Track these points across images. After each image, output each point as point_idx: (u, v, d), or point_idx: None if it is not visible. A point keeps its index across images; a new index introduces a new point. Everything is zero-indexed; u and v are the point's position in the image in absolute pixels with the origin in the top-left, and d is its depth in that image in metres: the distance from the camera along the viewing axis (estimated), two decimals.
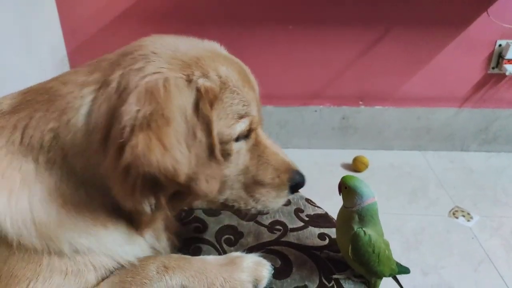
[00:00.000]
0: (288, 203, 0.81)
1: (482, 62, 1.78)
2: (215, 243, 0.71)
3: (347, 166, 1.87)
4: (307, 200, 0.83)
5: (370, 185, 0.62)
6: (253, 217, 0.67)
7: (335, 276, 0.65)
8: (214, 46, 0.64)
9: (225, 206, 0.63)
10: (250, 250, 0.69)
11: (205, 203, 0.72)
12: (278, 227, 0.75)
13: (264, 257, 0.66)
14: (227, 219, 0.76)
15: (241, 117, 0.56)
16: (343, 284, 0.65)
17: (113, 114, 0.50)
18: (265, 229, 0.74)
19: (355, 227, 0.60)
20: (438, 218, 1.56)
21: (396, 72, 1.83)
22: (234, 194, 0.61)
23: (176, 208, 0.63)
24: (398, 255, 1.37)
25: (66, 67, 1.76)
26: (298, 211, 0.79)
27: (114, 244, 0.55)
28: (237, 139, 0.58)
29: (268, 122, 1.92)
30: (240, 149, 0.59)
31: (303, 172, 0.66)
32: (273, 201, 0.63)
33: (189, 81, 0.52)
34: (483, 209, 1.61)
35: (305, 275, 0.65)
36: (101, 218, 0.54)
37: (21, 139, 0.53)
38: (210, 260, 0.62)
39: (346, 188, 0.62)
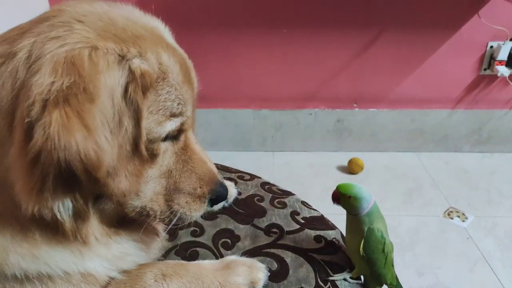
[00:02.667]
0: (284, 206, 0.81)
1: (474, 63, 1.80)
2: (212, 247, 0.71)
3: (342, 169, 1.87)
4: (303, 203, 0.84)
5: (366, 187, 0.63)
6: (167, 224, 0.58)
7: (331, 278, 0.66)
8: (158, 27, 0.56)
9: (140, 214, 0.55)
10: (246, 253, 0.69)
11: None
12: (274, 230, 0.75)
13: (261, 260, 0.67)
14: (224, 222, 0.76)
15: (173, 115, 0.50)
16: (339, 286, 0.65)
17: (21, 91, 0.41)
18: (262, 232, 0.75)
19: (367, 227, 0.62)
20: (433, 219, 1.57)
21: (390, 74, 1.85)
22: (154, 200, 0.54)
23: (108, 214, 0.53)
24: (394, 257, 1.38)
25: None
26: (294, 214, 0.79)
27: (67, 262, 0.49)
28: (165, 139, 0.52)
29: (263, 125, 1.94)
30: (166, 150, 0.53)
31: (228, 185, 0.65)
32: (190, 212, 0.57)
33: (122, 57, 0.44)
34: (477, 209, 1.63)
35: (302, 277, 0.66)
36: (38, 232, 0.47)
37: None
38: (206, 265, 0.62)
39: (349, 198, 0.63)
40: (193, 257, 0.68)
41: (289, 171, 1.86)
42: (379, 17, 1.72)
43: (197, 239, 0.73)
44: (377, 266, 0.62)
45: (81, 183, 0.43)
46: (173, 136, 0.53)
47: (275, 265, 0.68)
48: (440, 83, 1.85)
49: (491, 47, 1.75)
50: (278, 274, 0.66)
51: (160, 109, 0.48)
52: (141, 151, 0.47)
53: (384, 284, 0.67)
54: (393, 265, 0.66)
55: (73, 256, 0.51)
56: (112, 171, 0.44)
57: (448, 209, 1.62)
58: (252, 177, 0.90)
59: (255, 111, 1.91)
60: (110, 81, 0.42)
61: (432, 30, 1.73)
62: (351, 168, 1.83)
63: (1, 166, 0.44)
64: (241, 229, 0.75)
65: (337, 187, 0.64)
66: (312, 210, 0.82)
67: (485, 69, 1.80)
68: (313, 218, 0.79)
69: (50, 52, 0.41)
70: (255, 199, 0.83)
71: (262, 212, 0.79)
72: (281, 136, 1.97)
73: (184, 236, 0.73)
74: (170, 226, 0.58)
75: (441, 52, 1.77)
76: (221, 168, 0.93)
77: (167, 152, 0.54)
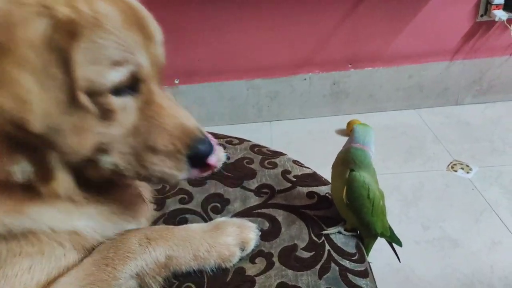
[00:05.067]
0: (275, 166, 0.79)
1: (470, 11, 1.73)
2: (202, 212, 0.69)
3: (341, 132, 1.84)
4: (294, 162, 0.81)
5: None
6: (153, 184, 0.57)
7: (325, 232, 0.64)
8: None
9: (116, 173, 0.53)
10: (237, 215, 0.67)
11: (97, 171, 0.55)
12: (265, 190, 0.73)
13: (252, 221, 0.65)
14: (213, 188, 0.74)
15: (116, 63, 0.47)
16: (334, 239, 0.63)
17: None
18: (252, 193, 0.72)
19: (350, 170, 0.60)
20: (437, 173, 1.55)
21: (383, 32, 1.79)
22: (125, 160, 0.52)
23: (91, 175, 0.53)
24: (397, 213, 1.36)
25: None
26: (285, 173, 0.77)
27: (53, 219, 0.50)
28: (118, 93, 0.49)
29: (257, 95, 1.90)
30: (125, 105, 0.50)
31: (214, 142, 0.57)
32: (169, 172, 0.53)
33: (46, 7, 0.43)
34: (481, 160, 1.59)
35: (294, 234, 0.64)
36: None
37: None
38: (194, 227, 0.61)
39: (351, 131, 0.63)
40: (182, 223, 0.66)
41: (288, 139, 1.83)
42: None
43: (185, 206, 0.71)
44: (363, 213, 0.60)
45: (32, 142, 0.43)
46: (131, 89, 0.50)
47: (266, 225, 0.65)
48: (435, 35, 1.79)
49: None
50: (270, 233, 0.64)
51: (100, 57, 0.45)
52: (81, 102, 0.44)
53: (376, 235, 0.64)
54: (384, 215, 0.63)
55: (59, 214, 0.51)
56: (56, 127, 0.43)
57: (451, 162, 1.59)
58: (241, 141, 0.88)
59: (248, 81, 1.87)
60: (30, 32, 0.41)
61: None
62: (350, 131, 1.79)
63: None
64: (231, 193, 0.73)
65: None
66: (304, 168, 0.80)
67: (481, 15, 1.73)
68: (305, 176, 0.77)
69: None
70: (244, 161, 0.80)
71: (252, 174, 0.77)
72: (277, 104, 1.93)
73: (172, 204, 0.71)
74: (154, 188, 0.57)
75: (434, 2, 1.71)
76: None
77: (128, 108, 0.50)
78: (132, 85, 0.50)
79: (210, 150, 0.55)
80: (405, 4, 1.72)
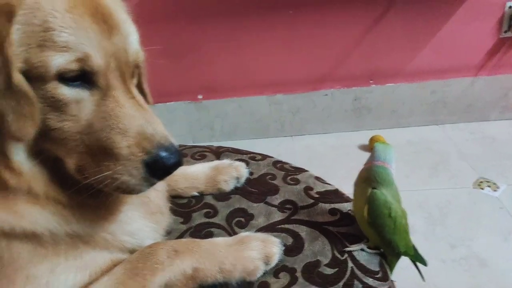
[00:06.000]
0: (297, 182, 0.80)
1: (493, 26, 1.71)
2: (226, 227, 0.70)
3: (364, 147, 1.83)
4: (317, 178, 0.82)
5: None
6: (114, 191, 0.52)
7: (348, 249, 0.64)
8: None
9: (80, 174, 0.51)
10: (261, 230, 0.68)
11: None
12: (288, 206, 0.74)
13: (276, 236, 0.66)
14: (237, 202, 0.76)
15: (60, 49, 0.45)
16: (357, 257, 0.63)
17: None
18: (275, 209, 0.73)
19: (371, 188, 0.60)
20: (463, 191, 1.52)
21: (405, 47, 1.79)
22: (83, 159, 0.49)
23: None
24: (423, 231, 1.34)
25: None
26: (307, 189, 0.78)
27: (49, 222, 0.51)
28: (69, 83, 0.47)
29: (279, 110, 1.92)
30: (80, 99, 0.48)
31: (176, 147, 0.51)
32: (124, 179, 0.48)
33: None
34: (509, 178, 1.55)
35: (317, 250, 0.64)
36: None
37: None
38: (219, 241, 0.62)
39: (372, 149, 0.65)
40: (208, 237, 0.68)
41: (310, 154, 1.84)
42: None
43: (211, 220, 0.72)
44: (385, 231, 0.60)
45: None
46: (86, 82, 0.48)
47: (290, 240, 0.66)
48: (459, 51, 1.78)
49: (510, 7, 1.66)
50: (293, 249, 0.65)
51: (40, 40, 0.45)
52: (16, 84, 0.44)
53: (399, 254, 0.64)
54: (407, 233, 0.63)
55: (54, 216, 0.51)
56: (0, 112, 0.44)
57: (478, 180, 1.56)
58: (264, 157, 0.89)
59: (269, 97, 1.89)
60: None
61: None
62: (372, 146, 1.78)
63: None
64: (255, 208, 0.74)
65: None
66: (326, 185, 0.80)
67: (505, 31, 1.71)
68: (327, 192, 0.77)
69: None
70: (267, 177, 0.82)
71: (275, 190, 0.78)
72: (299, 120, 1.95)
73: (198, 218, 0.73)
74: (106, 192, 0.53)
75: (457, 18, 1.70)
76: (232, 150, 0.92)
77: (82, 102, 0.48)
78: (85, 78, 0.48)
79: (175, 160, 0.50)
80: (427, 19, 1.72)
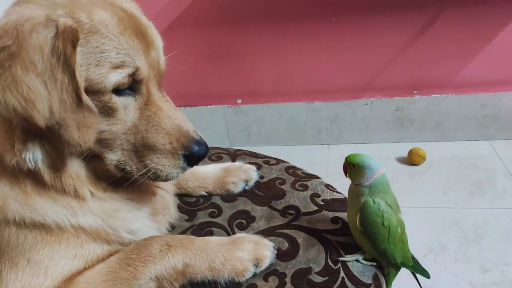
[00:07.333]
0: (305, 188, 0.80)
1: None
2: (227, 227, 0.72)
3: (402, 160, 1.77)
4: (327, 186, 0.81)
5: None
6: (154, 180, 0.61)
7: (342, 259, 0.63)
8: None
9: (119, 169, 0.59)
10: (260, 233, 0.69)
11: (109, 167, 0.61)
12: (290, 211, 0.74)
13: (273, 240, 0.66)
14: (242, 205, 0.77)
15: (116, 66, 0.52)
16: (350, 267, 0.62)
17: None
18: (278, 213, 0.74)
19: (364, 198, 0.59)
20: (505, 212, 1.41)
21: (453, 56, 1.70)
22: (126, 156, 0.58)
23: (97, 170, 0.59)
24: (454, 251, 1.27)
25: None
26: (314, 196, 0.77)
27: (57, 215, 0.56)
28: (119, 93, 0.55)
29: (317, 118, 1.91)
30: (127, 105, 0.56)
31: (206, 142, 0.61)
32: (165, 170, 0.58)
33: (49, 19, 0.49)
34: None
35: (311, 257, 0.64)
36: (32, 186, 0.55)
37: None
38: (213, 240, 0.64)
39: (354, 166, 0.60)
40: (207, 236, 0.70)
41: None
42: None
43: (214, 219, 0.75)
44: (378, 241, 0.58)
45: (43, 134, 0.50)
46: (131, 90, 0.56)
47: (286, 245, 0.67)
48: None
49: None
50: (287, 254, 0.65)
51: (100, 60, 0.51)
52: (84, 102, 0.50)
53: (397, 265, 0.62)
54: (404, 244, 0.61)
55: (64, 210, 0.57)
56: (61, 122, 0.49)
57: None
58: (278, 161, 0.90)
59: (308, 104, 1.88)
60: (37, 40, 0.48)
61: (499, 2, 1.56)
62: (411, 159, 1.71)
63: None
64: (258, 211, 0.75)
65: (346, 158, 0.62)
66: (335, 193, 0.79)
67: None
68: (334, 200, 0.77)
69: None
70: (277, 182, 0.82)
71: (281, 195, 0.78)
72: (337, 128, 1.92)
73: (202, 217, 0.75)
74: (145, 180, 0.61)
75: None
76: (250, 154, 0.94)
77: (129, 107, 0.56)
78: (132, 86, 0.56)
79: (205, 151, 0.60)
80: (479, 27, 1.62)
